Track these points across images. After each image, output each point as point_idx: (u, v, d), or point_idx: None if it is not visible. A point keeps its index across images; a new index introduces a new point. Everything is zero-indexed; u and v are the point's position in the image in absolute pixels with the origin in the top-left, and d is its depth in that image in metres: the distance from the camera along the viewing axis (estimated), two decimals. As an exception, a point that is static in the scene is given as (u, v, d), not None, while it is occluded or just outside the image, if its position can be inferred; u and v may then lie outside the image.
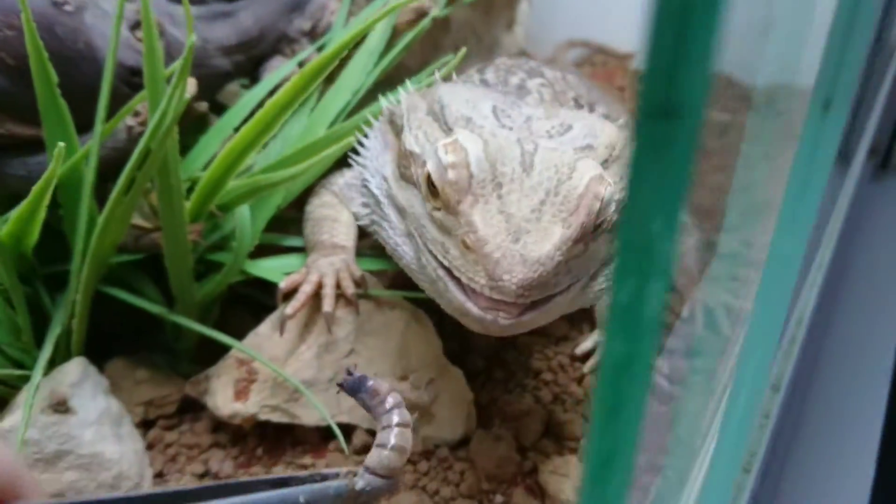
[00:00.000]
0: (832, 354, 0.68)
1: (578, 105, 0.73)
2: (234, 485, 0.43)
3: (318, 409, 0.66)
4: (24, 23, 0.56)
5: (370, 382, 0.50)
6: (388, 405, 0.48)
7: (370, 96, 0.81)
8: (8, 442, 0.59)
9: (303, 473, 0.46)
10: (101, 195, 0.67)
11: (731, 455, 0.46)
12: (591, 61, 1.39)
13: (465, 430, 0.72)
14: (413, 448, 0.69)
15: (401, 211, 0.62)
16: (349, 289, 0.70)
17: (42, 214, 0.61)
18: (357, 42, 0.74)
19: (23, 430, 0.58)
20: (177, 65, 0.57)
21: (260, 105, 0.75)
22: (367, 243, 0.77)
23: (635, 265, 0.20)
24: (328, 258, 0.73)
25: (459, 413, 0.72)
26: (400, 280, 0.75)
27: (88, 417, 0.64)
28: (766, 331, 0.44)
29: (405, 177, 0.62)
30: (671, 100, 0.19)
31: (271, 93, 0.79)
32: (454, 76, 0.74)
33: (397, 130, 0.66)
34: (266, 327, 0.71)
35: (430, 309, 0.75)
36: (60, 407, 0.62)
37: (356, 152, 0.71)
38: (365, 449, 0.69)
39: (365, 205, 0.71)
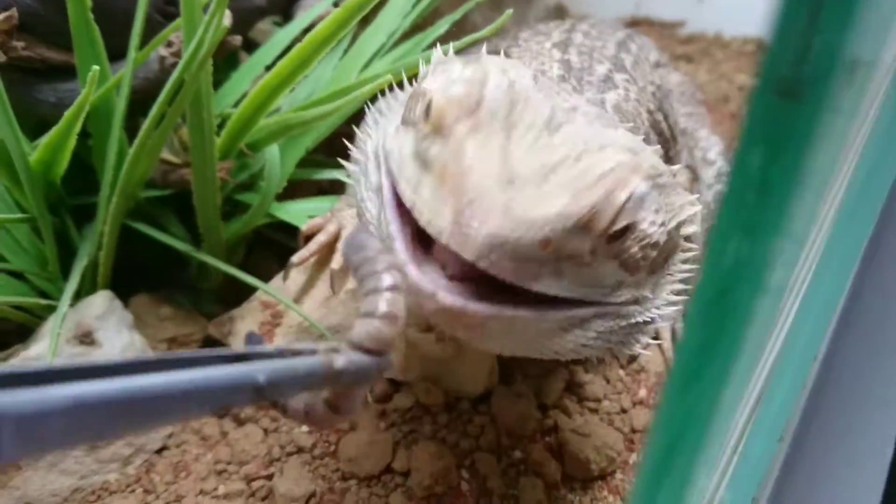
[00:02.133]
0: (864, 326, 0.66)
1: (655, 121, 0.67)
2: (186, 359, 0.32)
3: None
4: (58, -59, 0.54)
5: (361, 237, 0.40)
6: (378, 267, 0.37)
7: (404, 40, 0.79)
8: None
9: (269, 348, 0.35)
10: (129, 129, 0.66)
11: (772, 425, 0.45)
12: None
13: (486, 386, 0.71)
14: (434, 400, 0.70)
15: (379, 163, 0.50)
16: None
17: (72, 142, 0.60)
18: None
19: (51, 358, 0.57)
20: (214, -7, 0.55)
21: (292, 44, 0.73)
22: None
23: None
24: (353, 209, 0.72)
25: (482, 368, 0.71)
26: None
27: (113, 351, 0.63)
28: (822, 304, 0.43)
29: (406, 120, 0.49)
30: (797, 78, 0.17)
31: (304, 31, 0.77)
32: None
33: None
34: (296, 272, 0.71)
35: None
36: (86, 339, 0.62)
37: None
38: (385, 398, 0.69)
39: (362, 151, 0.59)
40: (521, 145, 0.42)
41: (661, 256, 0.47)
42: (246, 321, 0.69)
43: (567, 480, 0.66)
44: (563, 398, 0.72)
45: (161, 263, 0.77)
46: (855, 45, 0.19)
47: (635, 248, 0.45)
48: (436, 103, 0.44)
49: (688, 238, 0.51)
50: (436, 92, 0.44)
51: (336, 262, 0.67)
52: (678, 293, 0.52)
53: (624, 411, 0.71)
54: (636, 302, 0.48)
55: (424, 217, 0.41)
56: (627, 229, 0.43)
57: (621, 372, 0.75)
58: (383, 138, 0.51)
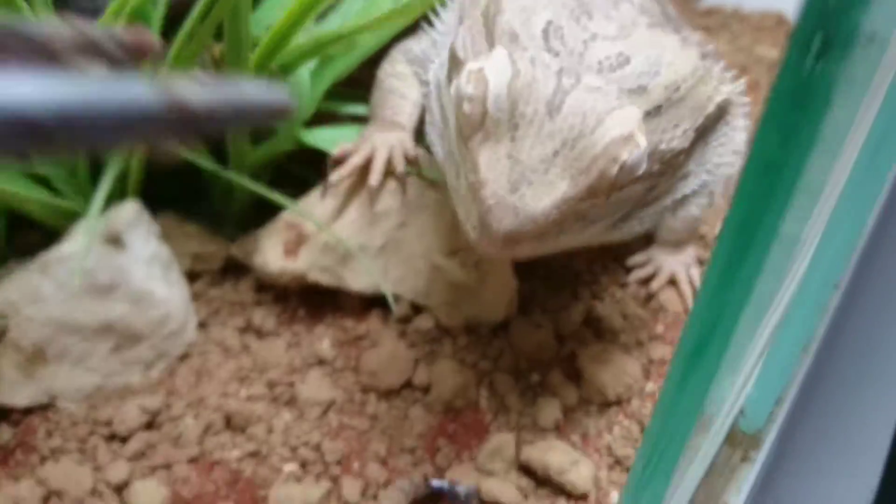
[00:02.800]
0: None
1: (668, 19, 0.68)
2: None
3: (369, 272, 0.66)
4: None
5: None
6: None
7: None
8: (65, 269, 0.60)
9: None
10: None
11: (799, 332, 0.46)
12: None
13: (506, 314, 0.72)
14: (455, 323, 0.70)
15: (443, 106, 0.59)
16: (399, 166, 0.70)
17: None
18: None
19: (84, 256, 0.58)
20: None
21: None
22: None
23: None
24: (384, 134, 0.72)
25: (503, 297, 0.72)
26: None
27: (140, 256, 0.64)
28: (852, 219, 0.44)
29: (450, 79, 0.56)
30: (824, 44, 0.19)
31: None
32: None
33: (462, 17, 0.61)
34: (316, 196, 0.71)
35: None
36: (114, 241, 0.63)
37: (429, 21, 0.69)
38: (406, 319, 0.70)
39: (424, 83, 0.70)
40: (525, 143, 0.48)
41: (697, 142, 0.50)
42: (271, 240, 0.70)
43: (583, 404, 0.66)
44: (581, 330, 0.73)
45: (184, 186, 0.78)
46: (875, 20, 0.22)
47: (656, 167, 0.51)
48: (455, 114, 0.51)
49: (724, 107, 0.57)
50: (454, 100, 0.51)
51: (374, 179, 0.68)
52: (727, 154, 0.60)
53: (641, 344, 0.72)
54: (682, 178, 0.52)
55: (462, 211, 0.50)
56: (636, 179, 0.49)
57: (639, 309, 0.76)
58: (441, 72, 0.59)
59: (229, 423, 0.60)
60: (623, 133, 0.48)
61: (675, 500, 0.40)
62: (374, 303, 0.71)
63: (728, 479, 0.42)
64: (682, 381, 0.35)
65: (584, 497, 0.55)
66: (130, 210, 0.65)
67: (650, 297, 0.76)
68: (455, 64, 0.55)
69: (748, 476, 0.43)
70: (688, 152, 0.56)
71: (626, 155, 0.47)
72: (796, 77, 0.23)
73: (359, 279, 0.69)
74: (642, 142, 0.48)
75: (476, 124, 0.49)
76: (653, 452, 0.33)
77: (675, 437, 0.34)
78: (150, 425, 0.61)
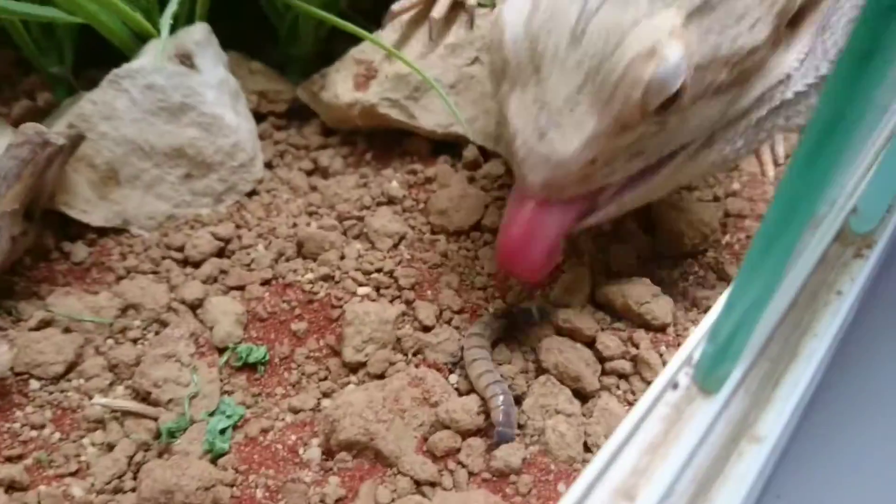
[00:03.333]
0: None
1: None
2: None
3: (446, 102, 0.64)
4: None
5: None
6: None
7: None
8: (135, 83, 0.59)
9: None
10: None
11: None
12: None
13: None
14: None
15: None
16: None
17: None
18: None
19: (155, 69, 0.57)
20: None
21: None
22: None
23: None
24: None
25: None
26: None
27: (211, 80, 0.62)
28: None
29: None
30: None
31: None
32: None
33: None
34: (389, 30, 0.69)
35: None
36: (186, 60, 0.61)
37: None
38: (476, 164, 0.68)
39: None
40: (550, 83, 0.43)
41: (784, 32, 0.44)
42: (341, 74, 0.68)
43: (656, 256, 0.65)
44: (655, 184, 0.70)
45: (249, 28, 0.76)
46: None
47: (722, 75, 0.43)
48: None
49: None
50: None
51: (437, 11, 0.65)
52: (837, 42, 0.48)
53: (717, 199, 0.69)
54: (778, 81, 0.46)
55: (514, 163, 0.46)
56: (677, 94, 0.42)
57: (715, 166, 0.73)
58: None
59: (301, 249, 0.60)
60: (643, 48, 0.41)
61: (786, 286, 0.38)
62: (443, 148, 0.70)
63: (840, 272, 0.41)
64: (805, 168, 0.34)
65: (662, 329, 0.54)
66: (200, 31, 0.64)
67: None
68: None
69: (863, 269, 0.41)
70: (773, 46, 0.46)
71: (648, 72, 0.41)
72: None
73: (429, 117, 0.67)
74: (673, 53, 0.41)
75: (500, 73, 0.46)
76: (767, 243, 0.32)
77: (792, 227, 0.32)
78: (221, 252, 0.61)
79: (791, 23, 0.47)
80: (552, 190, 0.44)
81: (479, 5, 0.67)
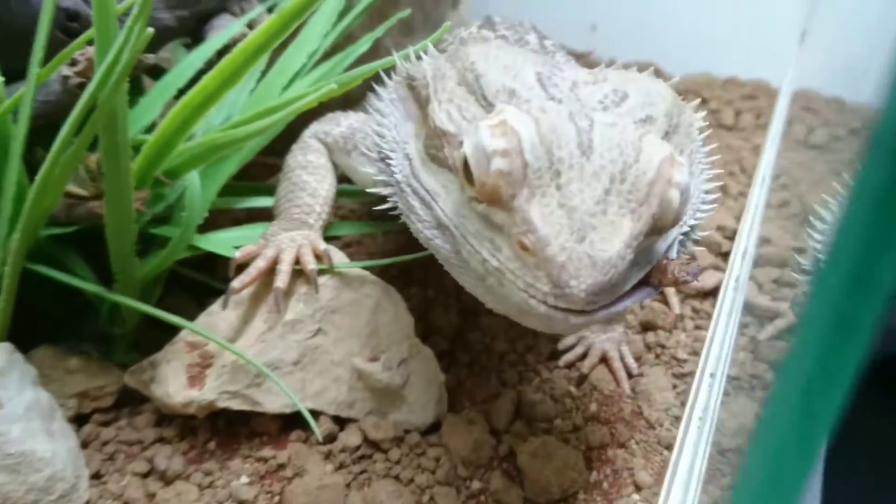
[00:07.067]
0: None
1: None
2: None
3: (286, 393, 0.60)
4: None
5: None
6: None
7: (324, 60, 0.76)
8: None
9: None
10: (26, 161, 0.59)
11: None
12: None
13: (436, 414, 0.68)
14: (384, 435, 0.65)
15: (427, 202, 0.53)
16: (309, 264, 0.65)
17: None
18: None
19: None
20: None
21: (207, 66, 0.69)
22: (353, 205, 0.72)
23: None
24: (290, 232, 0.67)
25: (431, 396, 0.68)
26: (385, 246, 0.70)
27: (17, 410, 0.55)
28: None
29: (436, 159, 0.52)
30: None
31: (219, 54, 0.72)
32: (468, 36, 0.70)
33: (420, 101, 0.56)
34: (219, 306, 0.65)
35: (399, 285, 0.70)
36: (-18, 399, 0.54)
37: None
38: (331, 437, 0.64)
39: (382, 172, 0.59)
40: (574, 189, 0.45)
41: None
42: (171, 365, 0.63)
43: (530, 505, 0.63)
44: (515, 421, 0.70)
45: (64, 311, 0.69)
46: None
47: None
48: (478, 179, 0.46)
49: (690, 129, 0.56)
50: (472, 162, 0.46)
51: (281, 280, 0.62)
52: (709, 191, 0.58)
53: (577, 429, 0.70)
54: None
55: (522, 283, 0.44)
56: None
57: (571, 388, 0.74)
58: (407, 165, 0.55)
59: None
60: (667, 154, 0.46)
61: None
62: (294, 422, 0.65)
63: None
64: None
65: None
66: (0, 357, 0.56)
67: (583, 378, 0.74)
68: (445, 139, 0.51)
69: None
70: None
71: (678, 175, 0.46)
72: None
73: (276, 400, 0.63)
74: (682, 160, 0.47)
75: (518, 180, 0.45)
76: None
77: None
78: None
79: None
80: (594, 295, 0.43)
81: (320, 272, 0.65)
